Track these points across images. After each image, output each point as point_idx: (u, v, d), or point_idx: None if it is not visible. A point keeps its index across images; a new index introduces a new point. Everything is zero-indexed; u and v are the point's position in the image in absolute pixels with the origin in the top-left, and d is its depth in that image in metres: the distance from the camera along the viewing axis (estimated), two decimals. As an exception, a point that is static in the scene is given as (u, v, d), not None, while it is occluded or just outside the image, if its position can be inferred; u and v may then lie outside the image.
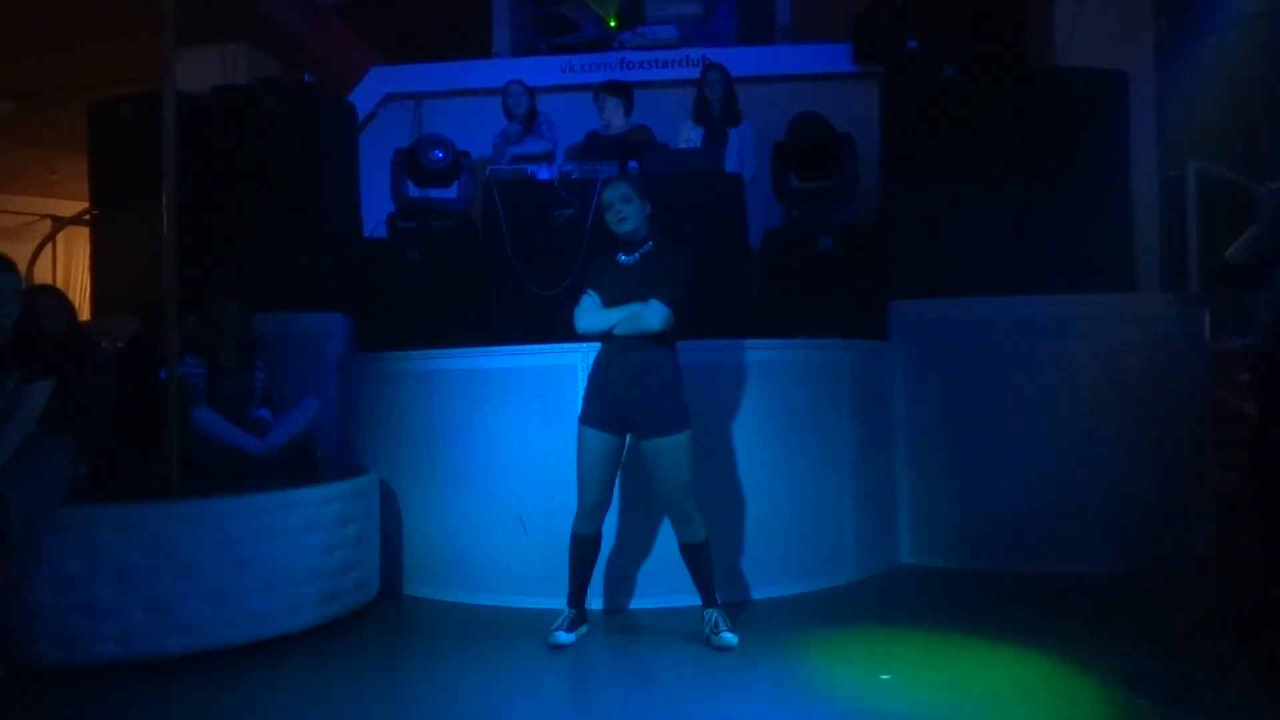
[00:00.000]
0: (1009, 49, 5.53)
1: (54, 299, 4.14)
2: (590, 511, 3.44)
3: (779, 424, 4.16)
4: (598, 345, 3.50)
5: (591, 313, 3.40)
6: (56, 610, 3.16)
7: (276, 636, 3.47)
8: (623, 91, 5.75)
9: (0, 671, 3.04)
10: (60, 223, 9.31)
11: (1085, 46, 5.80)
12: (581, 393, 3.50)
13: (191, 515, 3.33)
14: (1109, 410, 4.49)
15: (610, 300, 3.40)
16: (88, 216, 6.04)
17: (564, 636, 3.44)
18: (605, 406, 3.38)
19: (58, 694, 3.03)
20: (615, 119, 5.71)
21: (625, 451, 3.49)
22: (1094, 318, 4.56)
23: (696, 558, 3.45)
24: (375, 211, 5.48)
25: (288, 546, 3.52)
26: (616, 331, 3.35)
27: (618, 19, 7.07)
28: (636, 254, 3.46)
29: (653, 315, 3.31)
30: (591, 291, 3.43)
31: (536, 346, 4.11)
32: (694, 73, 6.08)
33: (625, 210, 3.41)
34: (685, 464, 3.36)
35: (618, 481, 3.56)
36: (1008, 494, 4.53)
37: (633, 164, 5.01)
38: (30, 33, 6.71)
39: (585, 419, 3.43)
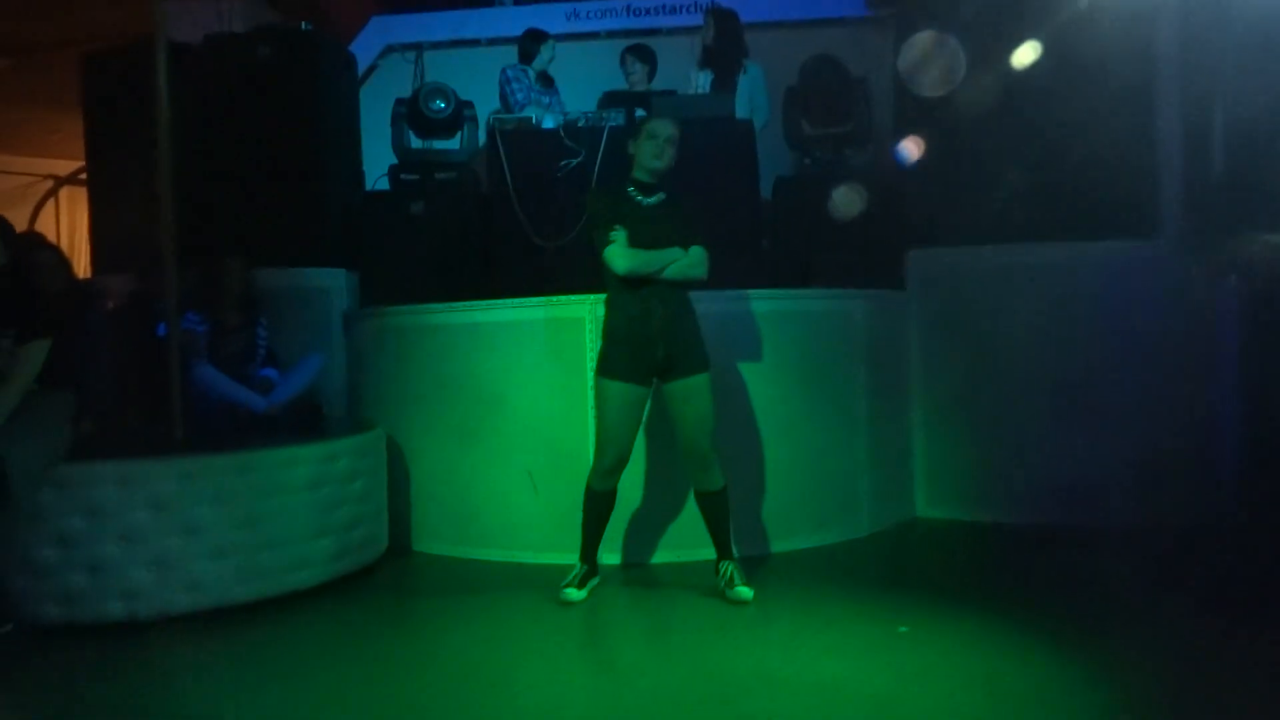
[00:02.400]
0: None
1: (49, 255, 4.06)
2: (611, 468, 3.35)
3: (792, 376, 4.07)
4: (604, 295, 3.40)
5: (638, 254, 3.27)
6: (60, 568, 3.12)
7: (284, 593, 3.42)
8: (650, 57, 5.64)
9: (4, 630, 3.00)
10: (58, 182, 9.19)
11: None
12: (590, 344, 3.40)
13: (192, 472, 3.27)
14: (1131, 360, 4.37)
15: (634, 242, 3.28)
16: (84, 175, 5.94)
17: (574, 593, 3.38)
18: (639, 356, 3.28)
19: (62, 652, 2.99)
20: (639, 84, 5.60)
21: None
22: (1116, 265, 4.42)
23: (715, 506, 3.39)
24: (377, 164, 5.35)
25: (292, 503, 3.46)
26: (667, 275, 3.27)
27: None
28: (654, 197, 3.38)
29: (703, 263, 3.33)
30: (621, 229, 3.30)
31: (543, 298, 4.01)
32: (701, 19, 5.90)
33: (669, 152, 3.36)
34: (711, 404, 3.34)
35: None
36: (1025, 446, 4.44)
37: (640, 111, 4.86)
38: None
39: (610, 373, 3.30)
